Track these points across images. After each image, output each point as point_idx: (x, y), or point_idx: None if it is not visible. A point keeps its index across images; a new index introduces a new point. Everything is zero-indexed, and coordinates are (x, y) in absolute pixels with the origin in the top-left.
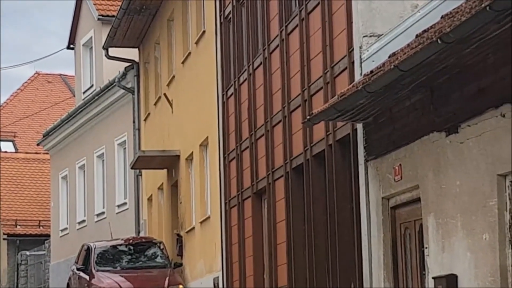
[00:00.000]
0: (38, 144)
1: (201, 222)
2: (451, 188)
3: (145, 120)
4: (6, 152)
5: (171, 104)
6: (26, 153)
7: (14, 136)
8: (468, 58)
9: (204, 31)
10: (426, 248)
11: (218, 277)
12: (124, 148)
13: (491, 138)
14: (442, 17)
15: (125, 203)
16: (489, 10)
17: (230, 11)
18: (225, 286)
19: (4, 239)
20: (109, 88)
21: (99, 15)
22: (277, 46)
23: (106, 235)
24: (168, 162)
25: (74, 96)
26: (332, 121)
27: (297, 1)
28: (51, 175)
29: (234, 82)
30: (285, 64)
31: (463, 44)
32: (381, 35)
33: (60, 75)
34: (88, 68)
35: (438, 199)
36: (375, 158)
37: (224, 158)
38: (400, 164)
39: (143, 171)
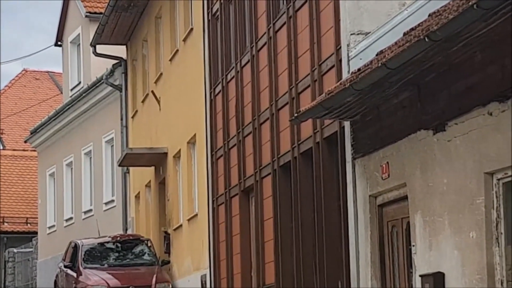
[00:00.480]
0: (25, 141)
1: (188, 220)
2: (438, 186)
3: (132, 117)
4: None
5: (158, 102)
6: (14, 150)
7: (1, 133)
8: (455, 56)
9: (192, 29)
10: (413, 246)
11: (205, 274)
12: (112, 146)
13: (478, 136)
14: (429, 15)
15: (112, 201)
16: (477, 8)
17: (217, 9)
18: (212, 283)
19: None
20: (96, 85)
21: (86, 12)
22: (265, 43)
23: (94, 232)
24: (156, 159)
25: (61, 93)
26: (320, 119)
27: None
28: (39, 172)
29: (222, 79)
30: (273, 62)
31: (451, 42)
32: (368, 33)
33: (47, 72)
34: (76, 65)
35: (425, 197)
36: (362, 156)
37: (212, 155)
38: (387, 162)
39: (131, 168)
